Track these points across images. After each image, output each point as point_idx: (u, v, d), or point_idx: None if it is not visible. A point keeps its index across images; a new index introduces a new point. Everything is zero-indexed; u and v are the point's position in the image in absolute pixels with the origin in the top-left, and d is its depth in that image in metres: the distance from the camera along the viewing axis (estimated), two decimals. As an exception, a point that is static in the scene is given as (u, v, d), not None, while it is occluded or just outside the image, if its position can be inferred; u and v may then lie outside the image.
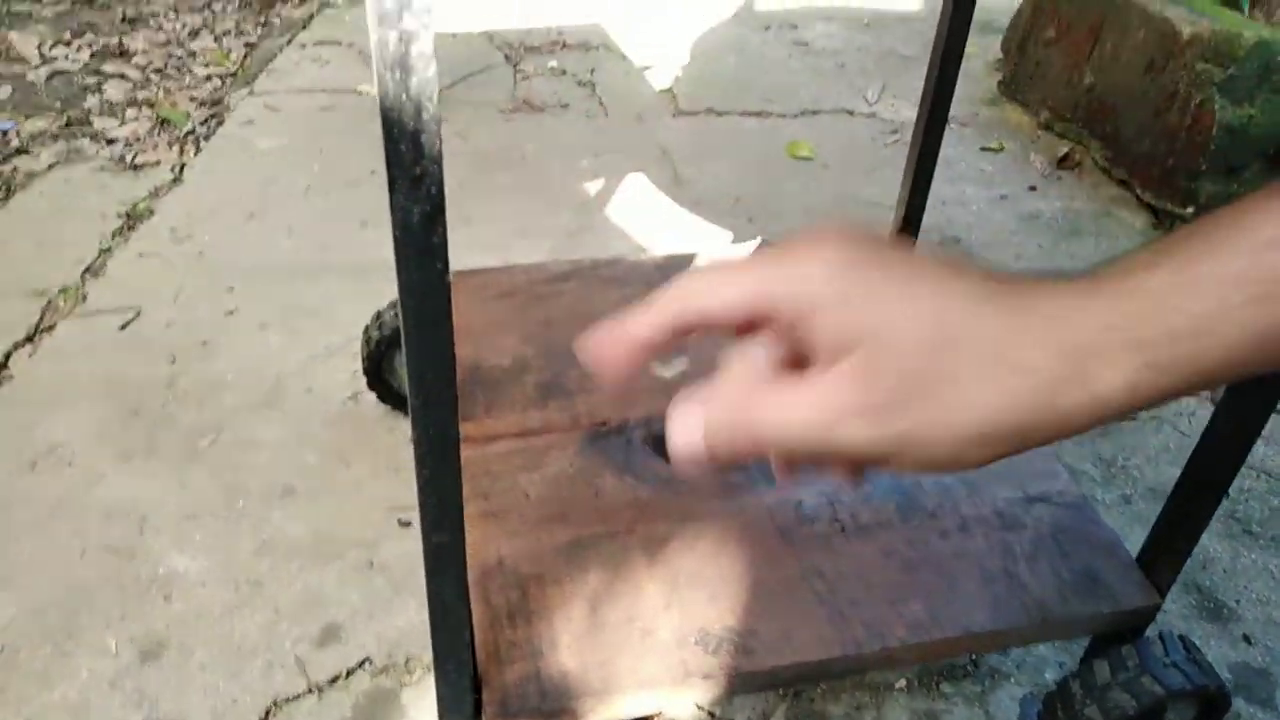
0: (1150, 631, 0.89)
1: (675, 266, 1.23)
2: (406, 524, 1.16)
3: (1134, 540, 0.90)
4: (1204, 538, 1.20)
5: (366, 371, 1.28)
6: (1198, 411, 1.40)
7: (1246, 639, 1.09)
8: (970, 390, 0.32)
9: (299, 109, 2.10)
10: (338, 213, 1.76)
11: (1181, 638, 0.90)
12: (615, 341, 0.38)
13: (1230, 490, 1.26)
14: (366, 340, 1.26)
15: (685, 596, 0.83)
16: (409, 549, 1.13)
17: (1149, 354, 0.30)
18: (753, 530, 0.89)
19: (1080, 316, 0.31)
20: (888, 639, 0.80)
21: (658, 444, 0.98)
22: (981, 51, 2.59)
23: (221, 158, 1.91)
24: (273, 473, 1.22)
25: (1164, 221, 1.83)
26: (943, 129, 1.21)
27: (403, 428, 1.30)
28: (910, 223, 1.27)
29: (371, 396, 1.33)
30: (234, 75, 2.29)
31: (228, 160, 1.90)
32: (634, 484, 0.93)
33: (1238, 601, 1.13)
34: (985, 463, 0.33)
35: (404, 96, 0.45)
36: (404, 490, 1.20)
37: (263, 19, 2.63)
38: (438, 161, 0.48)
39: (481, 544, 0.85)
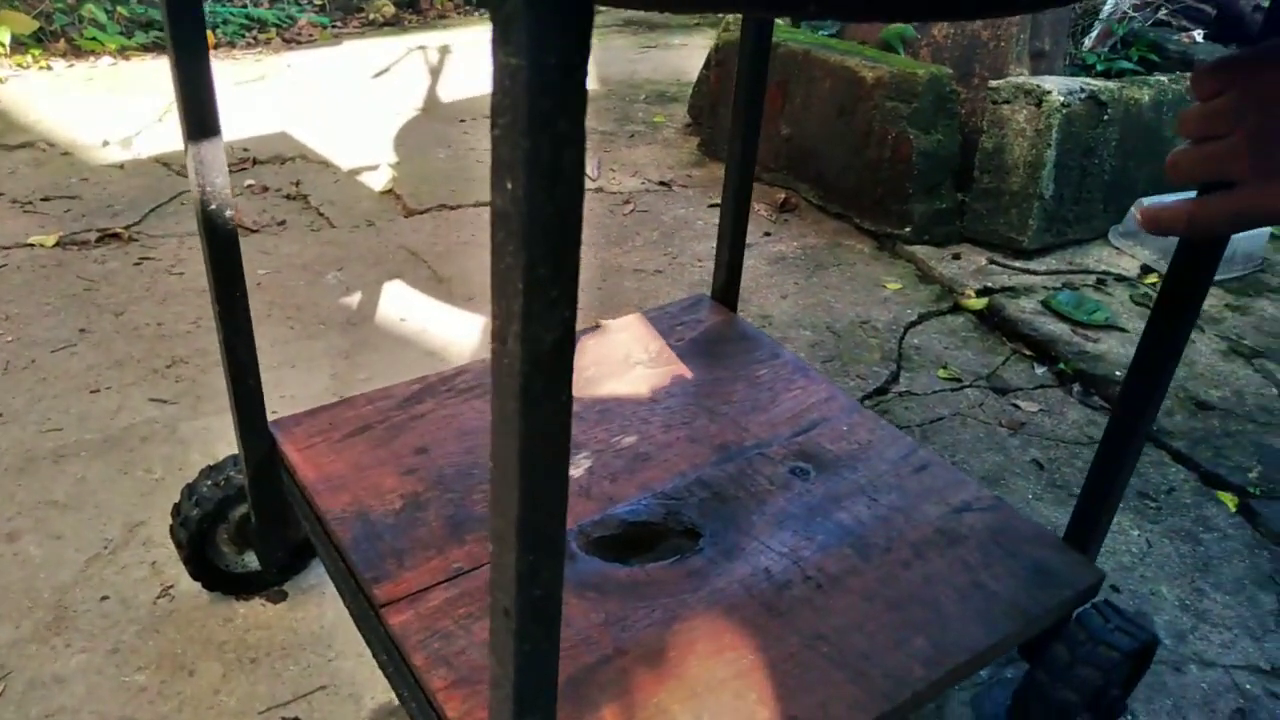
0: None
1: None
2: (294, 722, 0.98)
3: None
4: (1044, 508, 1.32)
5: (188, 559, 1.07)
6: (985, 402, 1.55)
7: (1114, 589, 1.21)
8: None
9: (-42, 274, 1.76)
10: (55, 385, 1.48)
11: (1107, 603, 0.98)
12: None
13: (1044, 460, 1.40)
14: (183, 522, 1.06)
15: (711, 703, 0.76)
16: (309, 751, 0.95)
17: None
18: (738, 611, 0.84)
19: None
20: (913, 683, 0.79)
21: (600, 547, 0.90)
22: (669, 119, 2.75)
23: None
24: (97, 711, 0.98)
25: (886, 245, 2.03)
26: (749, 194, 1.24)
27: (241, 614, 1.10)
28: (732, 280, 1.30)
29: (187, 587, 1.12)
30: None
31: (-118, 349, 1.54)
32: (598, 598, 0.85)
33: (1092, 559, 1.26)
34: None
35: (552, 210, 0.37)
36: (274, 684, 1.01)
37: None
38: (575, 281, 0.41)
39: None
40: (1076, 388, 1.59)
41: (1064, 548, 0.94)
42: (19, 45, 2.91)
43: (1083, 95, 1.92)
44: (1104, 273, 1.93)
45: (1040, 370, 1.64)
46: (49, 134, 2.41)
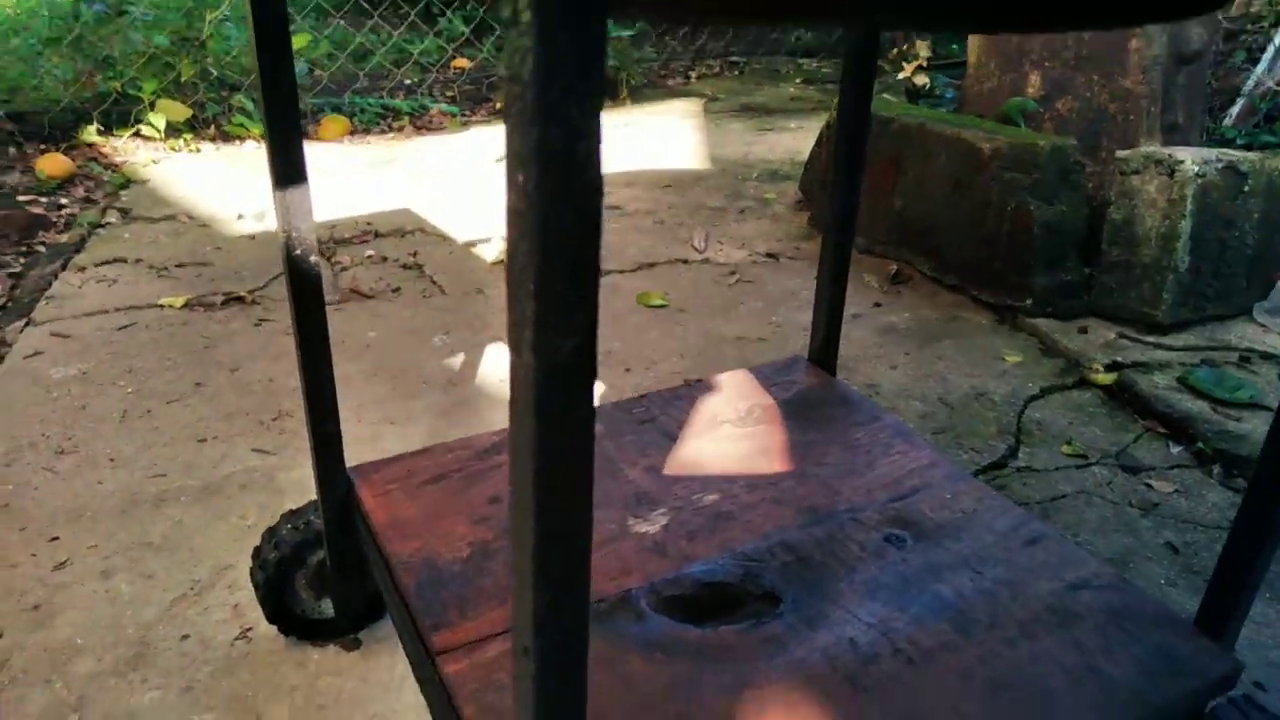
0: (1227, 702, 0.84)
1: (605, 418, 1.13)
2: (353, 778, 0.94)
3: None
4: (1177, 595, 1.19)
5: (265, 601, 1.06)
6: (1114, 480, 1.43)
7: (1260, 686, 1.07)
8: None
9: (94, 332, 1.86)
10: (166, 434, 1.53)
11: (1247, 698, 0.86)
12: None
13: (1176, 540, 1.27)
14: (261, 565, 1.05)
15: (780, 779, 0.69)
16: (366, 809, 0.91)
17: None
18: (817, 684, 0.77)
19: None
20: (1014, 773, 0.70)
21: (672, 607, 0.85)
22: (780, 196, 2.74)
23: (9, 395, 1.63)
24: (163, 753, 0.97)
25: (1005, 317, 1.94)
26: (849, 251, 1.20)
27: (315, 660, 1.09)
28: (830, 341, 1.24)
29: (265, 630, 1.12)
30: (3, 308, 2.01)
31: (18, 396, 1.63)
32: (665, 660, 0.79)
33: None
34: None
35: (565, 205, 0.34)
36: (338, 737, 0.98)
37: (24, 247, 2.36)
38: (594, 284, 0.37)
39: (516, 773, 0.68)
40: (1217, 469, 1.45)
41: (1195, 633, 0.83)
42: (174, 131, 3.14)
43: (1220, 165, 1.81)
44: (1248, 350, 1.78)
45: (1176, 449, 1.51)
46: (190, 208, 2.56)
